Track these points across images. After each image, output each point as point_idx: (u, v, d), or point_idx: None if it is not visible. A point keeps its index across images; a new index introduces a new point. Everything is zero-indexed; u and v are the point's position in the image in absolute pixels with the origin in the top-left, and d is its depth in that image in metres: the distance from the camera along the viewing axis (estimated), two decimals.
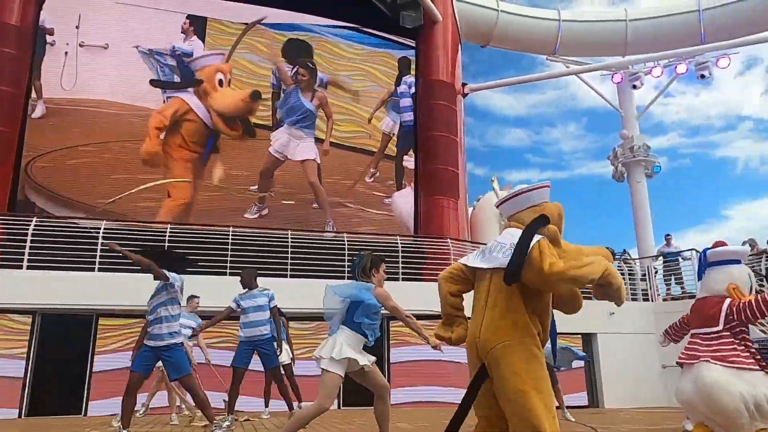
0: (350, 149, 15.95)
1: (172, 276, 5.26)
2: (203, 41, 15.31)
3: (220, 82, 15.02)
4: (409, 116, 16.86)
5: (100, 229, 11.31)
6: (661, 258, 15.08)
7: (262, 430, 6.77)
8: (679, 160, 41.41)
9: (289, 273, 11.62)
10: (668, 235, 15.05)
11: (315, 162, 15.22)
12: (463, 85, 18.72)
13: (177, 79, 14.95)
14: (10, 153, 13.80)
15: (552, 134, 45.93)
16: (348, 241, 12.64)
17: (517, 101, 44.73)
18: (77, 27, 14.79)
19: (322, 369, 4.00)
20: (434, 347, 4.20)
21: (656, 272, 14.83)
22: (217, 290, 8.84)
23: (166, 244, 11.25)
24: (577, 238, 3.24)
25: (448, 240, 13.75)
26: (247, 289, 6.84)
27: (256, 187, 14.83)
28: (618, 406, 11.87)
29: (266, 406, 8.72)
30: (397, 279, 12.20)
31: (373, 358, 4.22)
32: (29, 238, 10.78)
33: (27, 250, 10.66)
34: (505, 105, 44.48)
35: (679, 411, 9.51)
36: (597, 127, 43.78)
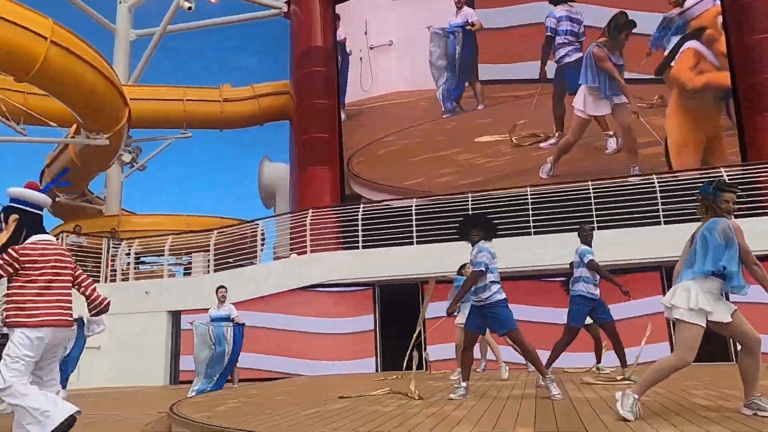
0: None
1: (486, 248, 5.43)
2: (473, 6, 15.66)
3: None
4: None
5: (412, 206, 12.56)
6: None
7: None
8: None
9: (595, 225, 11.07)
10: None
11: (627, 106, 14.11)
12: None
13: (458, 51, 15.59)
14: (334, 155, 16.47)
15: None
16: (659, 182, 11.39)
17: None
18: (365, 33, 16.68)
19: (677, 319, 3.65)
20: None
21: None
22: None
23: (470, 211, 11.88)
24: None
25: None
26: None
27: (553, 142, 14.48)
28: None
29: (598, 362, 8.41)
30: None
31: (734, 308, 3.63)
32: (360, 223, 12.64)
33: (360, 233, 12.52)
34: None
35: None
36: None
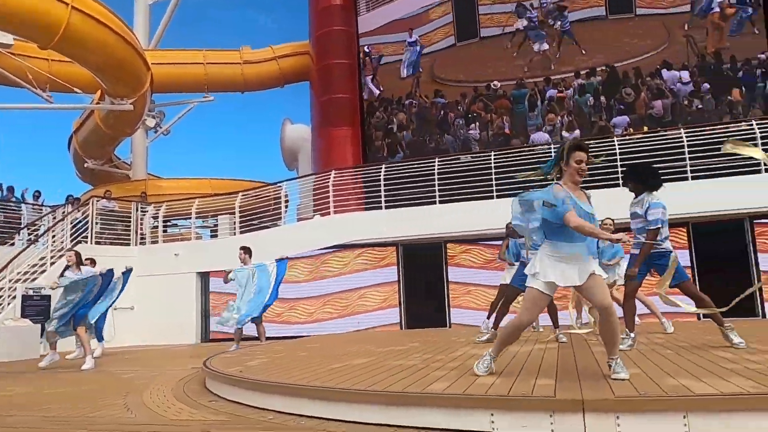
0: None
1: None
2: None
3: None
4: None
5: (434, 165, 12.50)
6: None
7: None
8: None
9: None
10: None
11: None
12: None
13: None
14: (355, 115, 16.42)
15: None
16: (687, 136, 11.10)
17: None
18: None
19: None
20: None
21: None
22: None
23: (492, 170, 11.77)
24: None
25: None
26: None
27: None
28: None
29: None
30: (758, 170, 10.26)
31: (589, 272, 3.53)
32: (382, 183, 12.65)
33: (383, 193, 12.55)
34: None
35: None
36: None
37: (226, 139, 48.80)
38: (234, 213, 13.88)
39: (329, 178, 13.18)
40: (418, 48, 16.56)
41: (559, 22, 15.44)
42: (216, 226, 15.35)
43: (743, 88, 13.97)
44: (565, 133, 14.74)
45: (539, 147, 13.50)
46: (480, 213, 11.16)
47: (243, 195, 14.30)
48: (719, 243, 10.29)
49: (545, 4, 15.57)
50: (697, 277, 9.76)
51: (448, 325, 11.47)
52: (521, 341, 6.48)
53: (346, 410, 3.49)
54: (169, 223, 15.63)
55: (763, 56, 13.89)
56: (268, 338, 9.68)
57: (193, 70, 19.21)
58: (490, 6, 16.04)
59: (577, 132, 14.61)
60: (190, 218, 14.69)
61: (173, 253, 13.38)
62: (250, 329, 9.75)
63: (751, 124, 11.13)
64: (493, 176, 11.77)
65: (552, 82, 15.23)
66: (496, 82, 15.66)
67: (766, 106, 13.64)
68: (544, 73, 15.34)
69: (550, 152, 11.97)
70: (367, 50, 17.05)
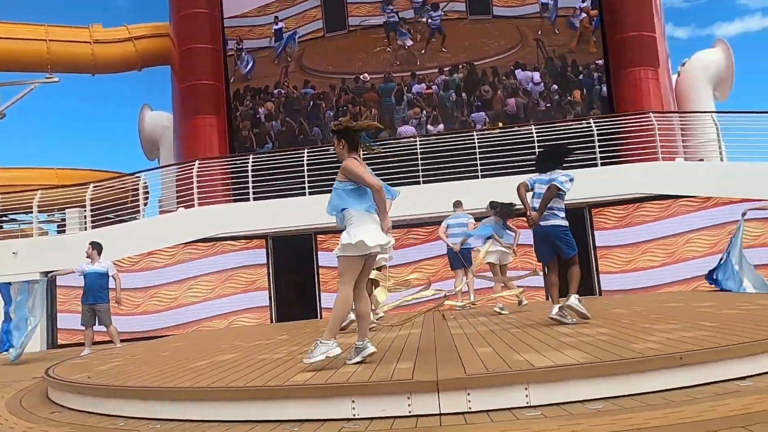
0: None
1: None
2: None
3: None
4: None
5: (303, 156, 12.40)
6: None
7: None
8: None
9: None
10: None
11: None
12: None
13: None
14: (221, 103, 15.77)
15: None
16: (536, 132, 12.10)
17: None
18: None
19: None
20: None
21: None
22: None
23: None
24: None
25: (651, 114, 12.37)
26: None
27: None
28: None
29: None
30: (595, 164, 11.46)
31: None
32: (250, 174, 12.29)
33: (251, 184, 12.21)
34: None
35: None
36: None
37: (76, 126, 44.52)
38: (84, 206, 12.71)
39: (193, 168, 12.55)
40: (285, 36, 16.25)
41: (428, 18, 16.02)
42: (64, 221, 13.96)
43: (584, 90, 15.53)
44: (430, 127, 15.36)
45: (406, 139, 13.94)
46: None
47: (95, 186, 13.13)
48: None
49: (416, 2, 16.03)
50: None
51: (319, 316, 11.49)
52: (388, 328, 6.67)
53: (203, 410, 3.35)
54: (5, 218, 13.93)
55: (600, 62, 15.50)
56: (132, 333, 9.01)
57: (32, 46, 17.21)
58: None
59: (441, 126, 15.29)
60: (31, 212, 13.20)
61: (11, 252, 11.97)
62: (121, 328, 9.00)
63: (590, 123, 12.42)
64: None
65: (417, 77, 15.76)
66: (365, 75, 15.88)
67: (602, 107, 15.28)
68: (410, 68, 15.82)
69: (415, 144, 12.41)
70: (230, 36, 16.38)
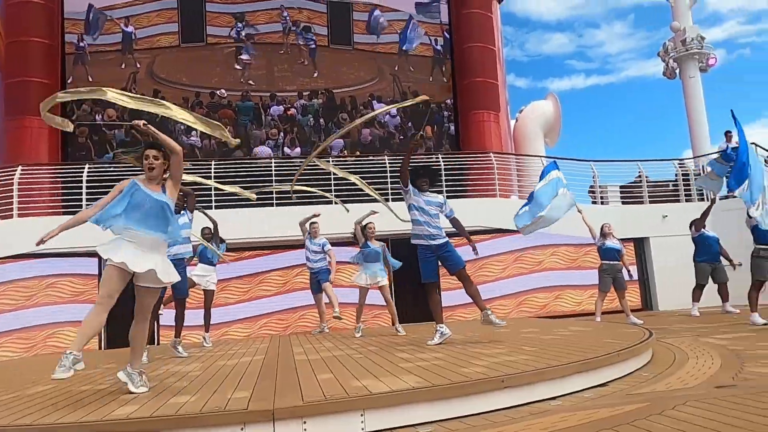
0: None
1: None
2: None
3: None
4: None
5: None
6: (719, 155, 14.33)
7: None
8: (738, 50, 38.34)
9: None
10: (728, 131, 14.22)
11: None
12: None
13: None
14: (55, 105, 14.24)
15: (597, 36, 43.11)
16: (389, 162, 12.58)
17: (557, 3, 42.00)
18: None
19: None
20: None
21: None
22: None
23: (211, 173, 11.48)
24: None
25: (491, 154, 13.49)
26: None
27: None
28: (673, 308, 11.78)
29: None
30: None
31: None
32: (84, 184, 11.21)
33: (84, 196, 11.13)
34: (543, 9, 41.86)
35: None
36: (646, 24, 40.83)
37: None
38: None
39: (14, 174, 11.14)
40: (133, 38, 15.24)
41: (302, 40, 16.08)
42: None
43: (435, 127, 16.55)
44: (287, 149, 15.28)
45: (261, 160, 13.70)
46: (195, 221, 10.73)
47: None
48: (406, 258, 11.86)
49: (284, 20, 15.98)
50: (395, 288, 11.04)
51: (156, 342, 10.68)
52: (230, 355, 6.40)
53: None
54: None
55: (450, 102, 16.67)
56: None
57: None
58: (219, 5, 15.71)
59: (298, 149, 15.28)
60: None
61: None
62: None
63: (439, 158, 13.22)
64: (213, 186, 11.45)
65: (277, 98, 15.66)
66: (222, 91, 15.41)
67: (450, 144, 16.38)
68: (269, 89, 15.68)
69: (271, 166, 12.24)
70: (70, 30, 14.98)
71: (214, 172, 11.71)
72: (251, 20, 15.81)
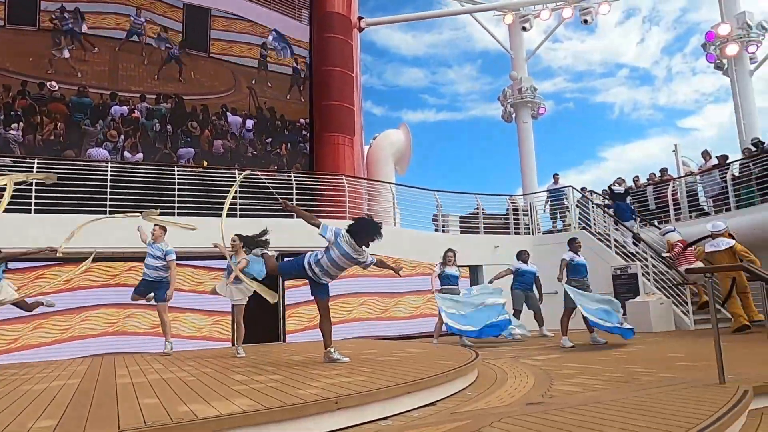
0: None
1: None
2: None
3: None
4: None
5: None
6: (546, 194, 16.04)
7: None
8: (564, 104, 43.62)
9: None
10: (556, 174, 15.99)
11: None
12: (360, 18, 18.33)
13: None
14: None
15: (448, 75, 46.34)
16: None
17: (415, 40, 44.49)
18: None
19: None
20: None
21: (544, 209, 15.86)
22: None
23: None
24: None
25: (343, 177, 13.73)
26: None
27: None
28: None
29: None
30: (291, 216, 12.05)
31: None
32: None
33: None
34: (402, 44, 44.14)
35: (557, 333, 10.42)
36: (490, 70, 44.74)
37: None
38: None
39: None
40: None
41: (164, 46, 15.12)
42: None
43: (289, 145, 16.45)
44: (127, 154, 14.15)
45: (96, 163, 12.52)
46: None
47: None
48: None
49: (137, 20, 14.89)
50: None
51: None
52: (38, 378, 5.68)
53: None
54: None
55: (304, 121, 16.72)
56: None
57: None
58: None
59: (140, 155, 14.23)
60: None
61: None
62: None
63: (290, 176, 13.13)
64: (33, 189, 10.20)
65: (119, 98, 14.49)
66: (53, 83, 13.87)
67: (304, 164, 16.38)
68: (110, 87, 14.46)
69: (107, 170, 11.22)
70: None
71: (37, 172, 10.42)
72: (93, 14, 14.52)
